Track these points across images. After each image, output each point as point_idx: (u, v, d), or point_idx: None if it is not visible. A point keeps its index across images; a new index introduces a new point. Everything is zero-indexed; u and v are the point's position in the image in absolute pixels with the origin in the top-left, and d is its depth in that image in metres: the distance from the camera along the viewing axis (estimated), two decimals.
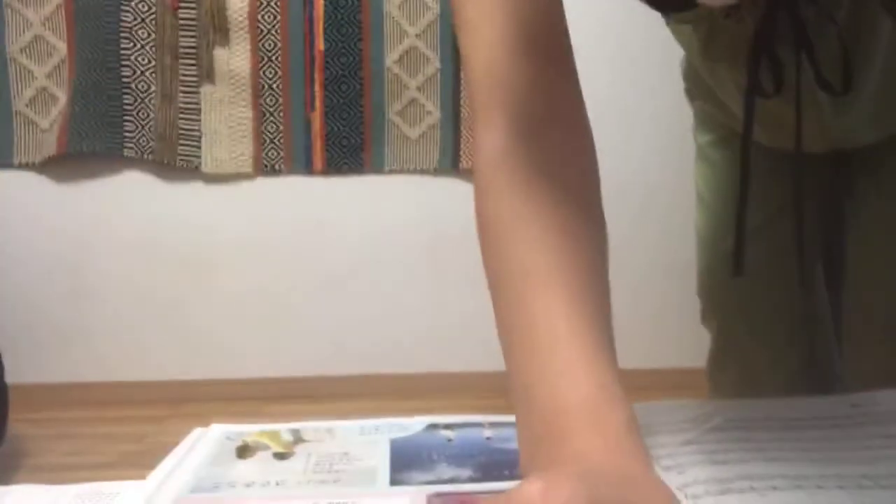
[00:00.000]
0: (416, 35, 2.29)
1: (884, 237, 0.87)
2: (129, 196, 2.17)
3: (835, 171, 0.91)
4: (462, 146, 2.32)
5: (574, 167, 0.53)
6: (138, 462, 1.55)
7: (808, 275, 0.90)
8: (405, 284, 2.31)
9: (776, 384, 0.93)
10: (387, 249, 2.30)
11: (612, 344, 0.46)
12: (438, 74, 2.30)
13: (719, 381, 0.99)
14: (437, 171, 2.32)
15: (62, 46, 2.11)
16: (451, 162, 2.31)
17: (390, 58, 2.28)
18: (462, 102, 2.32)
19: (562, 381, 0.42)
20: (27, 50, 2.11)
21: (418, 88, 2.30)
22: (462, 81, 2.25)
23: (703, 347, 1.02)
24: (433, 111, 2.31)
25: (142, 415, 2.06)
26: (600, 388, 0.42)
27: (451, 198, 2.30)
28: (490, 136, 0.53)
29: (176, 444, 0.48)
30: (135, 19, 2.16)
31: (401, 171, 2.32)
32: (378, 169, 2.30)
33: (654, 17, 0.77)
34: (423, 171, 2.32)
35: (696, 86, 0.96)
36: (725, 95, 0.88)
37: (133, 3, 2.16)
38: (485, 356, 2.18)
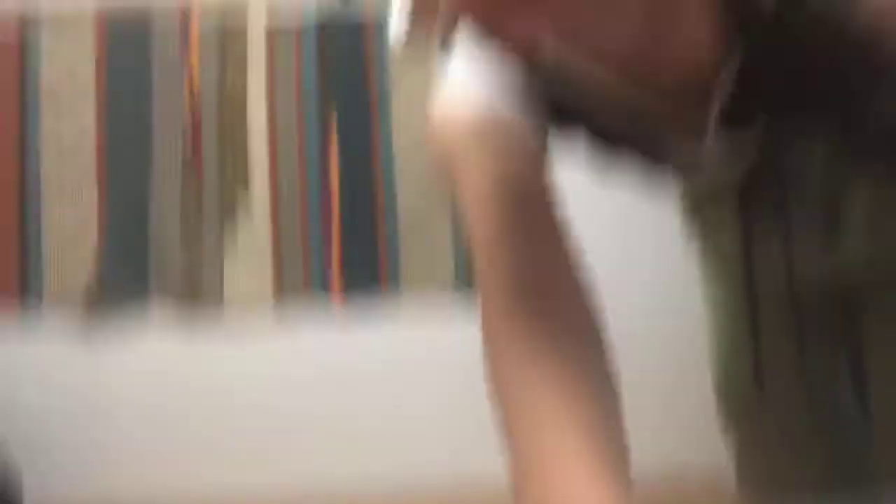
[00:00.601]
0: (424, 164, 2.39)
1: None
2: (157, 344, 2.26)
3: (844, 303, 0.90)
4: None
5: (579, 332, 0.57)
6: None
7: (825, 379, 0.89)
8: (442, 402, 2.29)
9: (804, 481, 0.91)
10: (415, 369, 2.30)
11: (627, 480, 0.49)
12: (448, 195, 2.36)
13: (746, 480, 0.96)
14: (454, 286, 2.34)
15: (94, 193, 2.30)
16: (466, 277, 2.33)
17: (399, 186, 2.37)
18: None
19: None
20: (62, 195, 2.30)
21: (427, 209, 2.37)
22: None
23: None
24: (444, 228, 2.37)
25: None
26: None
27: (468, 312, 2.30)
28: (494, 299, 0.58)
29: None
30: (163, 167, 2.34)
31: (416, 289, 2.35)
32: (395, 287, 2.35)
33: None
34: (441, 288, 2.34)
35: (688, 219, 0.98)
36: (719, 232, 0.91)
37: (160, 154, 2.33)
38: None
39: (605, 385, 0.54)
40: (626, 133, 0.67)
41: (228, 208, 2.35)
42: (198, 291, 2.28)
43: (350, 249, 2.35)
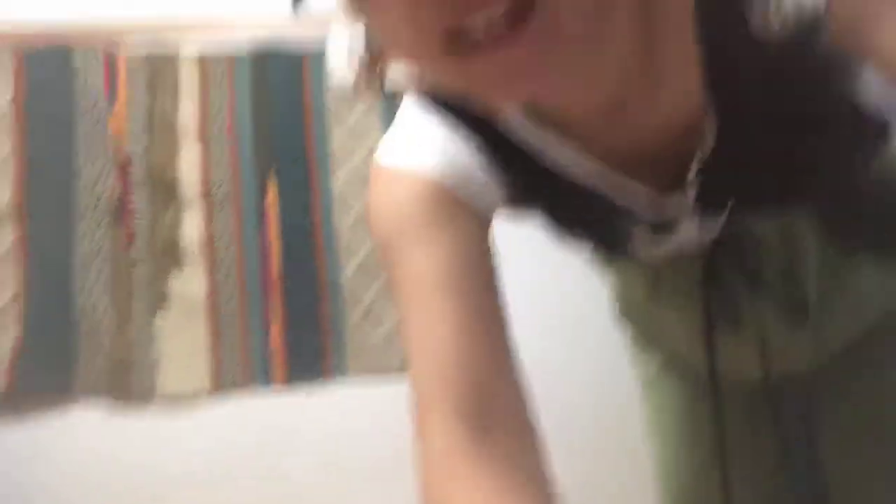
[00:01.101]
0: (370, 250, 2.34)
1: (853, 461, 0.85)
2: (80, 431, 2.11)
3: (789, 397, 0.90)
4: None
5: (525, 467, 0.55)
6: None
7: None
8: (377, 498, 2.25)
9: None
10: (354, 456, 2.25)
11: None
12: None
13: None
14: (400, 371, 2.32)
15: (14, 284, 2.13)
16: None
17: (345, 272, 2.32)
18: None
19: None
20: None
21: (375, 295, 2.34)
22: None
23: None
24: (391, 315, 2.33)
25: None
26: None
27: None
28: (439, 438, 0.55)
29: None
30: (89, 253, 2.20)
31: (362, 377, 2.31)
32: (341, 375, 2.30)
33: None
34: (385, 374, 2.31)
35: (632, 320, 0.96)
36: (667, 331, 0.89)
37: (87, 241, 2.20)
38: None
39: None
40: (582, 217, 0.67)
41: (160, 293, 2.23)
42: (127, 390, 2.16)
43: (293, 342, 2.29)
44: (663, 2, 0.53)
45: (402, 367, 2.29)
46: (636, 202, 0.63)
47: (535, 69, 0.42)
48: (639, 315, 0.92)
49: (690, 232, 0.67)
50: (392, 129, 0.67)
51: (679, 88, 0.56)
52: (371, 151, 2.33)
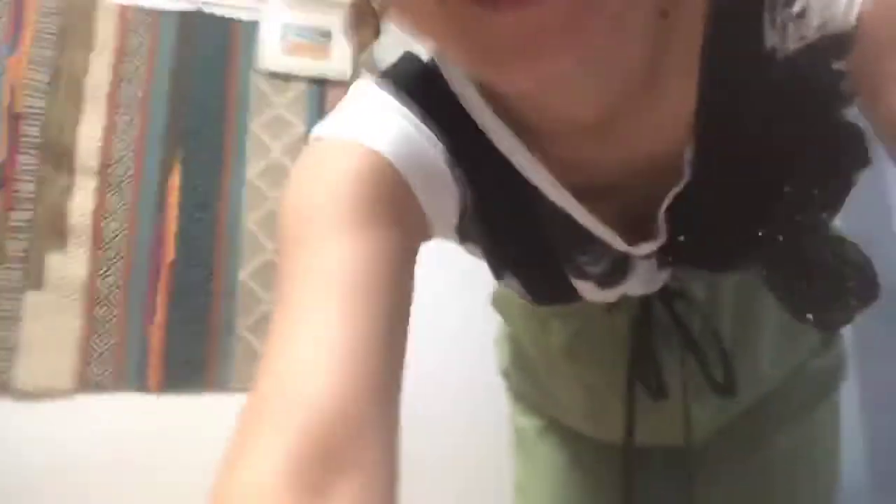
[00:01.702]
0: (275, 251, 2.14)
1: None
2: None
3: (668, 466, 0.85)
4: None
5: None
6: None
7: None
8: None
9: None
10: None
11: None
12: None
13: None
14: None
15: None
16: None
17: (244, 271, 2.12)
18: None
19: None
20: None
21: (273, 302, 2.13)
22: None
23: None
24: None
25: None
26: None
27: None
28: (258, 463, 0.39)
29: None
30: None
31: (248, 389, 2.11)
32: (222, 387, 2.10)
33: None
34: None
35: (522, 373, 0.89)
36: (562, 390, 0.83)
37: None
38: None
39: None
40: (537, 244, 0.60)
41: (35, 270, 2.01)
42: None
43: (175, 341, 2.08)
44: (676, 13, 0.49)
45: None
46: (599, 239, 0.59)
47: (570, 37, 0.37)
48: (533, 367, 0.86)
49: (641, 279, 0.63)
50: (339, 107, 0.56)
51: (671, 111, 0.53)
52: (292, 146, 2.13)
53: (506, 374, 0.94)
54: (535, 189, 0.56)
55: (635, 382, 0.73)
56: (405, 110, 0.54)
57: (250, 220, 2.16)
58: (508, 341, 0.91)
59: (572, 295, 0.64)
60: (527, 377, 0.89)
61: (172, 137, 2.15)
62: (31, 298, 2.00)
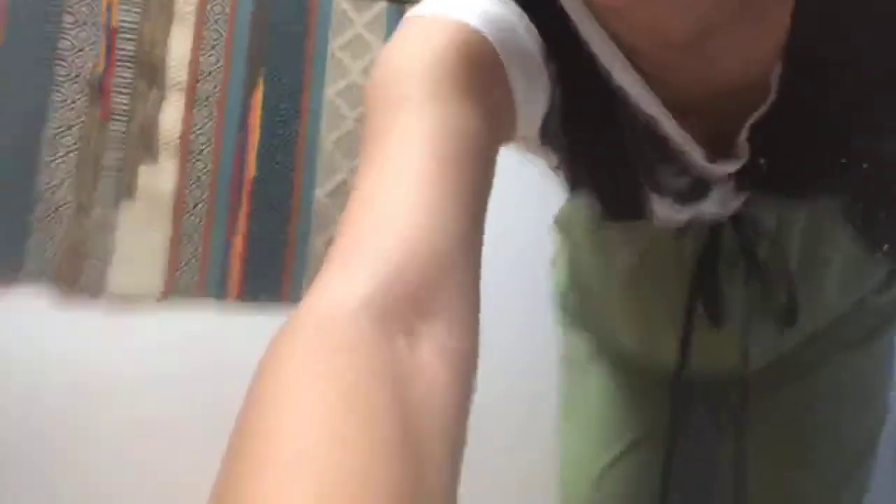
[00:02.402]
0: (350, 170, 2.19)
1: (770, 461, 0.83)
2: (23, 312, 2.06)
3: (714, 395, 0.87)
4: None
5: (432, 391, 0.36)
6: None
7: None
8: None
9: None
10: None
11: None
12: None
13: None
14: None
15: None
16: None
17: (321, 190, 2.19)
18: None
19: None
20: None
21: None
22: None
23: None
24: None
25: None
26: None
27: None
28: (341, 290, 0.38)
29: None
30: (60, 127, 2.10)
31: None
32: (295, 299, 2.21)
33: None
34: None
35: (580, 296, 0.90)
36: (620, 314, 0.84)
37: (60, 112, 2.09)
38: None
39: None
40: (619, 157, 0.59)
41: (128, 183, 2.14)
42: (76, 280, 2.10)
43: (255, 253, 2.18)
44: None
45: None
46: (681, 155, 0.59)
47: None
48: (591, 291, 0.87)
49: (716, 201, 0.62)
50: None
51: (764, 34, 0.52)
52: (371, 66, 2.14)
53: (561, 296, 0.94)
54: (625, 97, 0.55)
55: (695, 308, 0.72)
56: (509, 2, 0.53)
57: (328, 140, 2.21)
58: (567, 263, 0.91)
59: (645, 211, 0.64)
60: (583, 299, 0.90)
61: (256, 56, 2.19)
62: (124, 208, 2.12)
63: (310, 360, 0.35)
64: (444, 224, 0.42)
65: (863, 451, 0.84)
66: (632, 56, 0.55)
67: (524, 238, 2.03)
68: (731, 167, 0.59)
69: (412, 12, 0.55)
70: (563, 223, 0.88)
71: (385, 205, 0.42)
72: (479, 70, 0.49)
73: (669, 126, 0.57)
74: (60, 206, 2.09)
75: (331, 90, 2.22)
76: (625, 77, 0.55)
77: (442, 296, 0.39)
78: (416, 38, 0.52)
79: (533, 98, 0.54)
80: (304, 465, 0.28)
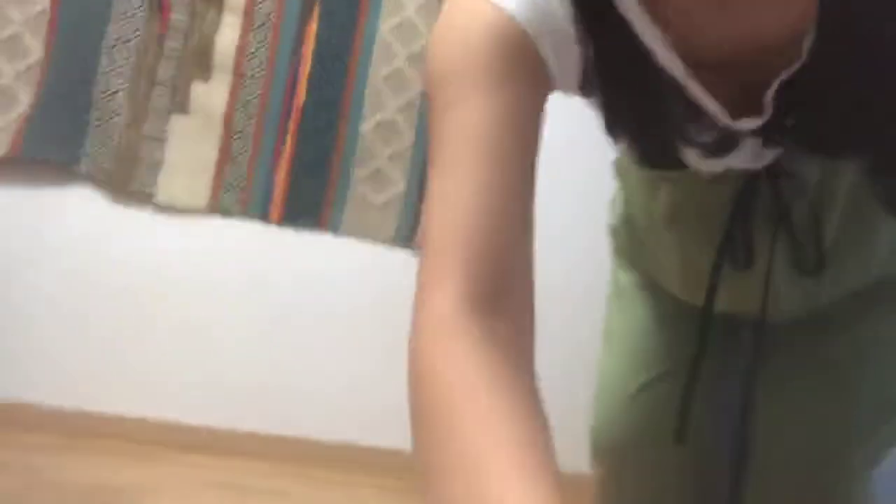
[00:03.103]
0: (397, 109, 2.24)
1: (794, 411, 0.86)
2: (75, 214, 2.14)
3: (752, 339, 0.89)
4: (421, 221, 2.28)
5: (521, 354, 0.53)
6: None
7: (700, 435, 0.90)
8: (340, 348, 2.30)
9: None
10: (329, 311, 2.28)
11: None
12: (410, 149, 2.26)
13: None
14: (393, 241, 2.29)
15: (38, 49, 2.11)
16: (408, 235, 2.28)
17: (366, 125, 2.24)
18: (428, 180, 2.27)
19: None
20: (1, 46, 2.09)
21: (389, 158, 2.26)
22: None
23: None
24: (399, 183, 2.27)
25: (34, 442, 1.96)
26: None
27: (403, 270, 2.27)
28: (441, 300, 0.53)
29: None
30: (119, 38, 2.15)
31: (356, 235, 2.29)
32: (334, 229, 2.28)
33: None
34: (378, 240, 2.29)
35: (628, 232, 0.94)
36: (662, 253, 0.88)
37: (119, 24, 2.14)
38: (404, 435, 2.20)
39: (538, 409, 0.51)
40: (647, 110, 0.64)
41: (181, 97, 2.19)
42: (127, 186, 2.18)
43: (298, 180, 2.25)
44: None
45: (394, 238, 2.26)
46: (706, 111, 0.61)
47: None
48: (638, 228, 0.91)
49: (746, 154, 0.65)
50: None
51: None
52: (426, 4, 2.17)
53: (614, 232, 0.98)
54: (652, 55, 0.59)
55: (726, 250, 0.76)
56: None
57: (377, 76, 2.25)
58: (621, 201, 0.95)
59: (679, 161, 0.68)
60: (631, 236, 0.94)
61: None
62: (176, 122, 2.19)
63: (451, 360, 0.51)
64: (507, 223, 0.54)
65: (885, 411, 0.84)
66: (664, 17, 0.57)
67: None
68: (753, 123, 0.61)
69: None
70: (618, 165, 0.91)
71: (458, 214, 0.54)
72: (514, 58, 0.56)
73: (691, 84, 0.59)
74: (114, 115, 2.15)
75: (385, 26, 2.26)
76: (651, 38, 0.57)
77: (510, 283, 0.54)
78: (452, 31, 0.59)
79: (567, 64, 0.60)
80: (486, 428, 0.46)
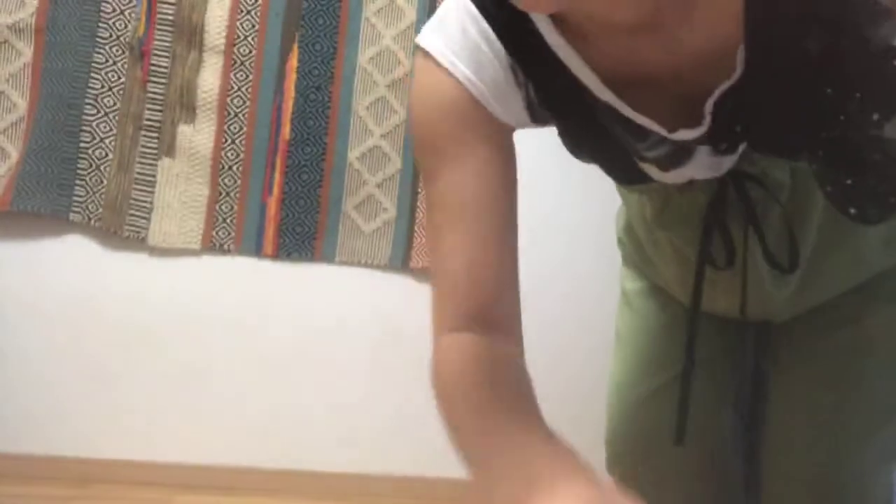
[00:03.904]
0: (381, 135, 2.27)
1: (805, 407, 0.87)
2: (68, 261, 2.15)
3: (758, 338, 0.92)
4: (414, 245, 2.29)
5: (515, 366, 0.65)
6: None
7: (713, 436, 0.92)
8: (342, 378, 2.30)
9: None
10: (328, 341, 2.28)
11: None
12: (398, 175, 2.28)
13: None
14: (387, 268, 2.30)
15: (23, 104, 2.13)
16: (402, 260, 2.29)
17: (353, 153, 2.27)
18: (418, 204, 2.29)
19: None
20: None
21: (377, 185, 2.28)
22: (419, 184, 2.26)
23: None
24: (389, 209, 2.29)
25: (42, 493, 1.96)
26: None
27: (399, 294, 2.28)
28: (450, 328, 0.65)
29: None
30: (102, 87, 2.17)
31: (351, 264, 2.30)
32: (328, 259, 2.29)
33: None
34: (373, 266, 2.30)
35: (631, 241, 0.98)
36: (660, 259, 0.91)
37: (103, 73, 2.17)
38: (415, 461, 2.22)
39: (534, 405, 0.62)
40: (595, 140, 0.70)
41: (168, 140, 2.22)
42: (120, 230, 2.19)
43: (289, 213, 2.27)
44: None
45: (389, 264, 2.27)
46: (648, 133, 0.65)
47: None
48: (638, 237, 0.94)
49: (702, 164, 0.69)
50: (435, 14, 0.69)
51: (719, 11, 0.57)
52: (403, 33, 2.21)
53: (620, 242, 1.02)
54: (587, 91, 0.64)
55: (705, 253, 0.78)
56: (479, 19, 0.65)
57: (360, 105, 2.28)
58: (623, 212, 0.98)
59: (641, 176, 0.73)
60: (635, 245, 0.96)
61: (291, 21, 2.26)
62: (165, 165, 2.21)
63: (462, 363, 0.63)
64: (495, 261, 0.66)
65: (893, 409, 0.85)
66: (594, 44, 0.61)
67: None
68: (691, 134, 0.64)
69: (419, 41, 0.68)
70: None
71: (454, 265, 0.66)
72: (471, 121, 0.65)
73: (620, 105, 0.63)
74: (103, 162, 2.17)
75: (363, 57, 2.29)
76: (577, 67, 0.63)
77: (504, 310, 0.66)
78: (424, 103, 0.68)
79: (513, 110, 0.67)
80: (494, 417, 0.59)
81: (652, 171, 0.71)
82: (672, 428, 0.86)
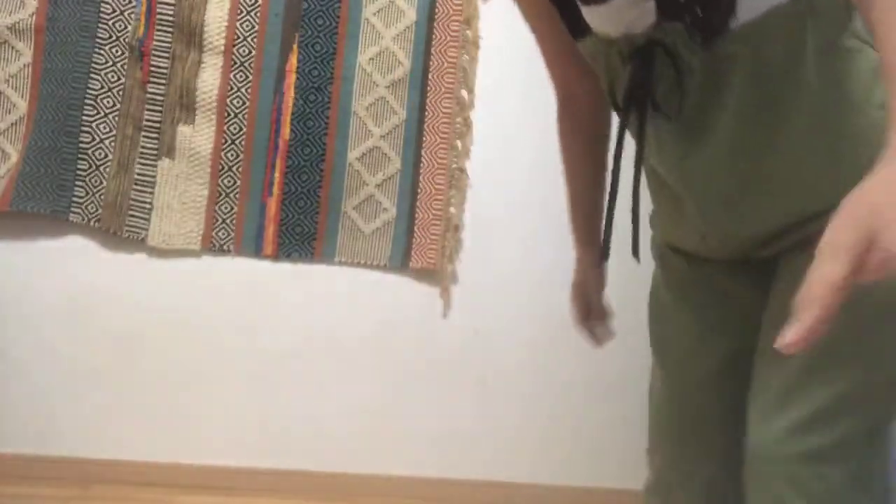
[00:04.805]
0: (381, 136, 2.27)
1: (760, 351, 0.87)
2: (68, 262, 2.15)
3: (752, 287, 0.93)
4: (414, 245, 2.30)
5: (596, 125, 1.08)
6: None
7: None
8: (342, 379, 2.30)
9: None
10: (328, 341, 2.29)
11: None
12: (398, 175, 2.28)
13: None
14: (387, 268, 2.30)
15: (23, 105, 2.13)
16: (402, 260, 2.29)
17: (353, 154, 2.27)
18: (417, 204, 2.29)
19: None
20: None
21: (377, 186, 2.29)
22: (419, 184, 2.28)
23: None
24: (389, 209, 2.29)
25: (43, 494, 1.96)
26: None
27: (398, 295, 2.28)
28: (557, 100, 1.08)
29: None
30: (102, 88, 2.18)
31: (350, 264, 2.30)
32: (328, 259, 2.30)
33: None
34: (373, 266, 2.30)
35: (649, 188, 1.01)
36: (655, 199, 1.00)
37: (103, 73, 2.17)
38: (415, 461, 2.23)
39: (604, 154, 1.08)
40: None
41: (167, 140, 2.22)
42: (119, 231, 2.19)
43: (289, 213, 2.27)
44: None
45: (389, 264, 2.27)
46: None
47: None
48: (651, 184, 1.00)
49: (621, 6, 0.79)
50: None
51: None
52: (403, 33, 2.21)
53: (651, 219, 1.07)
54: None
55: (629, 105, 0.86)
56: None
57: (360, 106, 2.28)
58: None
59: (586, 27, 0.86)
60: (652, 202, 1.02)
61: (291, 22, 2.26)
62: (165, 165, 2.21)
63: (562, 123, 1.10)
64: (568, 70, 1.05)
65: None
66: None
67: None
68: None
69: None
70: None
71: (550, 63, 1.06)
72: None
73: None
74: (102, 163, 2.18)
75: (363, 57, 2.29)
76: None
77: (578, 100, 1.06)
78: None
79: None
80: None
81: (590, 17, 0.84)
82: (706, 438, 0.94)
